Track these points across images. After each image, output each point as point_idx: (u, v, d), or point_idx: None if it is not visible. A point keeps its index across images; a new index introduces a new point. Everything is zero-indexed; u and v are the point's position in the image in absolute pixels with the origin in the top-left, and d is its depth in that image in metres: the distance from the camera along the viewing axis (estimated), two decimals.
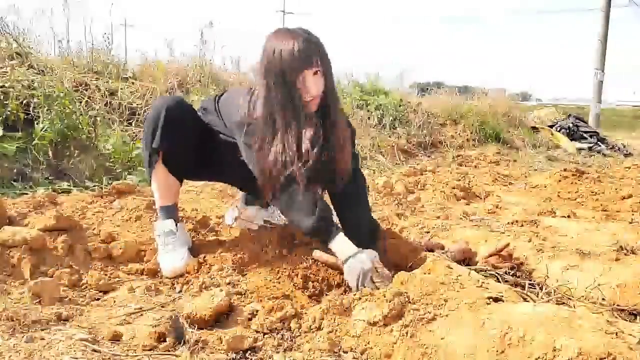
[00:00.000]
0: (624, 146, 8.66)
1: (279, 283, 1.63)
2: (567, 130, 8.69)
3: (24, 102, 3.30)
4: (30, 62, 3.88)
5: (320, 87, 1.62)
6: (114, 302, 1.56)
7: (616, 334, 1.12)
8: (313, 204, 1.62)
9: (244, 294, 1.55)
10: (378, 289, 1.48)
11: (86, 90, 3.99)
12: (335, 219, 1.77)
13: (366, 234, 1.80)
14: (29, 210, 2.02)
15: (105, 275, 1.74)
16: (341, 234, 1.62)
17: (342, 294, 1.58)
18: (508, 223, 2.59)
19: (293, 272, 1.66)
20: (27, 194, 2.49)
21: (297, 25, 1.64)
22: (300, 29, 1.62)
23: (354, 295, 1.43)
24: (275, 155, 1.60)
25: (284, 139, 1.59)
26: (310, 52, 1.57)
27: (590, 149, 8.05)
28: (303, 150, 1.62)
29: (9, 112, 3.15)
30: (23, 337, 1.21)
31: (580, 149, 7.95)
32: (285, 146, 1.59)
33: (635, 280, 1.64)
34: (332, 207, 1.80)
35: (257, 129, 1.64)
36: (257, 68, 1.67)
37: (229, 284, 1.62)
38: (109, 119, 3.90)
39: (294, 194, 1.62)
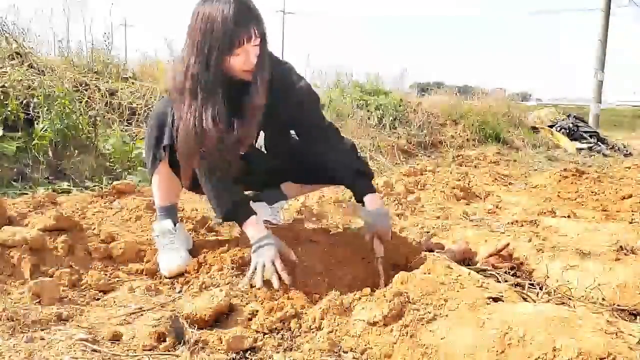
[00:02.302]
0: (624, 146, 8.66)
1: None
2: (567, 130, 8.68)
3: (24, 102, 3.31)
4: (30, 62, 3.88)
5: (258, 54, 1.56)
6: (114, 302, 1.56)
7: (616, 334, 1.12)
8: (224, 190, 1.66)
9: (244, 294, 1.55)
10: (280, 278, 1.54)
11: (86, 90, 3.99)
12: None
13: (350, 174, 1.79)
14: (29, 210, 2.02)
15: (105, 275, 1.74)
16: (253, 217, 1.66)
17: (341, 294, 1.58)
18: (508, 223, 2.59)
19: (293, 271, 1.66)
20: (27, 194, 2.49)
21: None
22: None
23: (354, 295, 1.43)
24: (188, 126, 1.55)
25: (197, 111, 1.54)
26: (248, 19, 1.50)
27: (590, 149, 8.05)
28: (213, 125, 1.54)
29: (9, 112, 3.15)
30: (23, 337, 1.21)
31: (580, 149, 7.94)
32: (196, 119, 1.53)
33: (635, 280, 1.64)
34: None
35: (175, 98, 1.60)
36: (186, 37, 1.57)
37: (228, 284, 1.62)
38: (109, 119, 3.90)
39: (208, 177, 1.66)
